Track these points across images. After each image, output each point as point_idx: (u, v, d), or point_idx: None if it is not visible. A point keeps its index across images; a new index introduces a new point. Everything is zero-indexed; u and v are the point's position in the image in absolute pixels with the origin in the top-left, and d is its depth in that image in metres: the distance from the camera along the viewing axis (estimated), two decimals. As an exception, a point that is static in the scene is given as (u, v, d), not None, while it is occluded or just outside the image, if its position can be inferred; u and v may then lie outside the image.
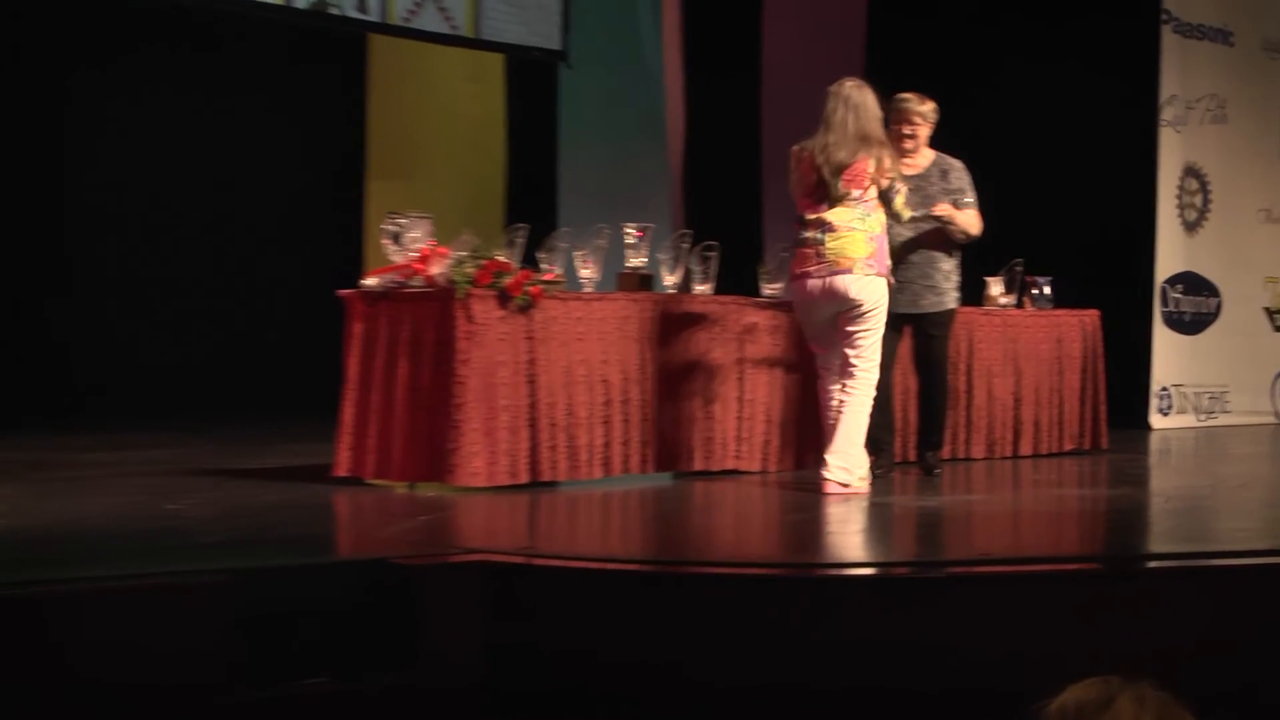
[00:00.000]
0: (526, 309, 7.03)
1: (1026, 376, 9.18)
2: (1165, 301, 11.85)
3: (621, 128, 12.41)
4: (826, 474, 7.06)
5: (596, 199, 11.76)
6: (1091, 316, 9.59)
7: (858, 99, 7.12)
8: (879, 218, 7.12)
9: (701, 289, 7.88)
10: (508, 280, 6.94)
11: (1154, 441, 10.84)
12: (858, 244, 7.03)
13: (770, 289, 8.12)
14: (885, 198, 7.12)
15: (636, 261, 7.67)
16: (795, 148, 7.22)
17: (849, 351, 7.10)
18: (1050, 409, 9.31)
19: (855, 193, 7.05)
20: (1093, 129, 12.44)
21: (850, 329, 7.09)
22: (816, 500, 6.90)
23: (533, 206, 11.68)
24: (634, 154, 12.23)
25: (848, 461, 7.06)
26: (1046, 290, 9.41)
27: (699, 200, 12.08)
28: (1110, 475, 8.56)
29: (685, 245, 7.83)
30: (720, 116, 12.32)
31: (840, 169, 7.04)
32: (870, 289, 7.03)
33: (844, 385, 7.11)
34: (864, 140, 7.06)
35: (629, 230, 7.66)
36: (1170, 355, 11.90)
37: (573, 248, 7.48)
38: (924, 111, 7.70)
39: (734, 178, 12.23)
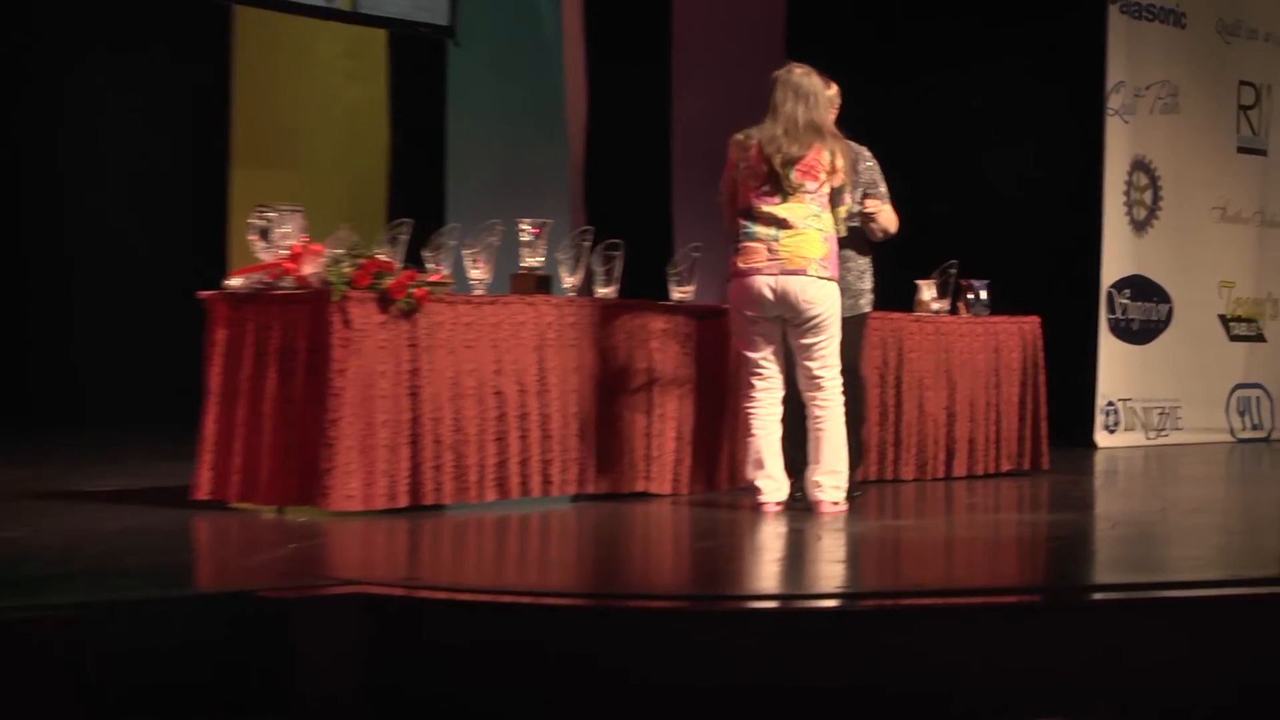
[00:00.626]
0: (410, 313, 7.00)
1: (961, 390, 9.24)
2: (1112, 308, 11.99)
3: (517, 113, 12.39)
4: (820, 494, 7.29)
5: (488, 192, 11.74)
6: (1031, 324, 9.67)
7: (807, 87, 7.27)
8: (830, 216, 7.25)
9: (604, 292, 7.88)
10: (389, 281, 6.91)
11: (1099, 461, 10.95)
12: (813, 243, 7.19)
13: (680, 292, 8.14)
14: (832, 201, 7.25)
15: (532, 261, 7.66)
16: (738, 136, 7.31)
17: (811, 364, 7.28)
18: (987, 426, 9.38)
19: (810, 185, 7.20)
20: (1033, 120, 12.56)
21: (807, 341, 7.27)
22: (730, 527, 6.93)
23: (418, 199, 11.66)
24: (530, 143, 12.22)
25: (839, 479, 7.32)
26: (983, 295, 9.47)
27: (602, 194, 12.08)
28: (1052, 498, 8.63)
29: (586, 244, 7.82)
30: (625, 103, 12.33)
31: (793, 161, 7.16)
32: (824, 294, 7.20)
33: (814, 400, 7.31)
34: (816, 131, 7.24)
35: (524, 226, 7.65)
36: (1117, 367, 12.04)
37: (462, 245, 7.46)
38: (831, 96, 7.75)
39: (640, 170, 12.25)
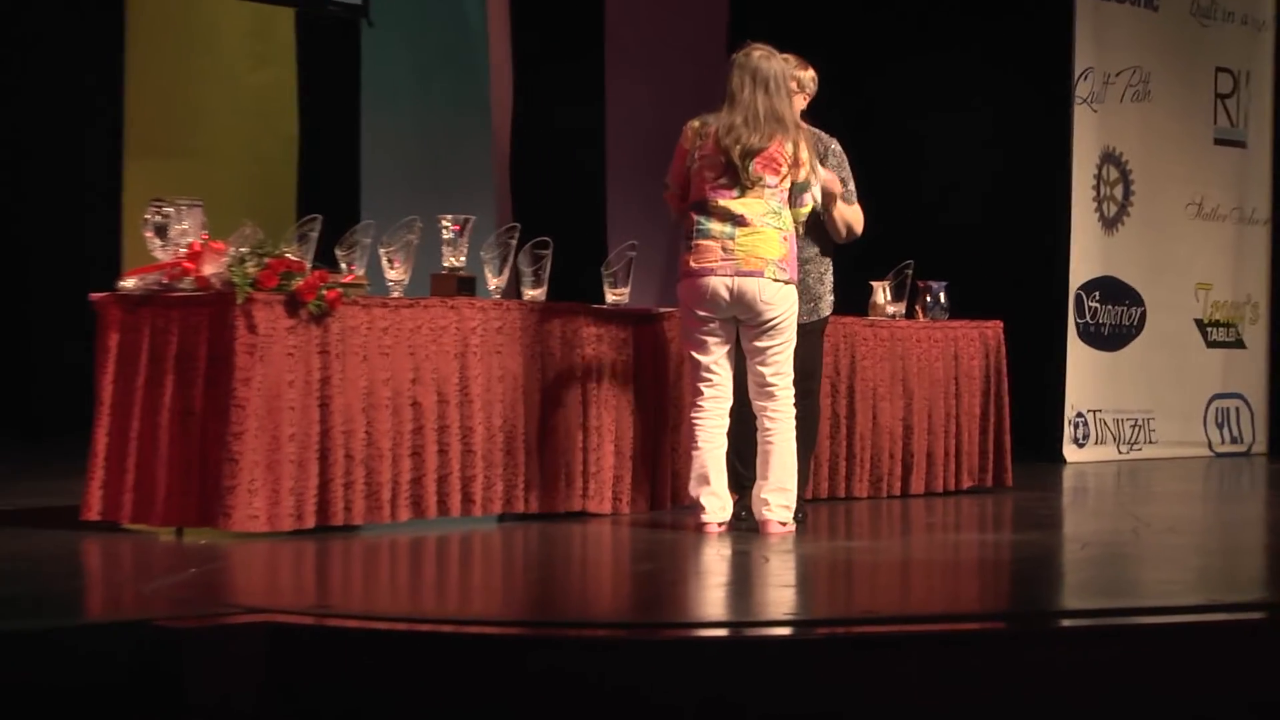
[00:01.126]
0: (321, 317, 6.97)
1: (918, 400, 9.27)
2: (1080, 312, 12.05)
3: (437, 100, 12.36)
4: (767, 513, 7.29)
5: (407, 185, 11.71)
6: (994, 329, 9.70)
7: (767, 71, 7.26)
8: (791, 213, 7.25)
9: (533, 294, 7.87)
10: (298, 282, 6.88)
11: (1068, 477, 11.01)
12: (771, 243, 7.20)
13: (615, 294, 8.13)
14: (792, 198, 7.27)
15: (454, 261, 7.64)
16: (694, 123, 7.32)
17: (764, 370, 7.29)
18: (946, 439, 9.41)
19: (770, 179, 7.21)
20: (995, 110, 12.63)
21: (760, 344, 7.28)
22: (672, 548, 6.92)
23: (330, 193, 11.61)
24: (452, 132, 12.20)
25: (788, 498, 7.32)
26: (941, 297, 9.50)
27: (529, 189, 12.07)
28: (1016, 517, 8.66)
29: (513, 242, 7.81)
30: (555, 90, 12.33)
31: (753, 154, 7.18)
32: (782, 296, 7.23)
33: (765, 410, 7.32)
34: (778, 121, 7.23)
35: (445, 223, 7.63)
36: (1086, 375, 12.10)
37: (378, 243, 7.44)
38: (803, 78, 7.75)
39: (571, 163, 12.24)
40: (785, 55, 7.55)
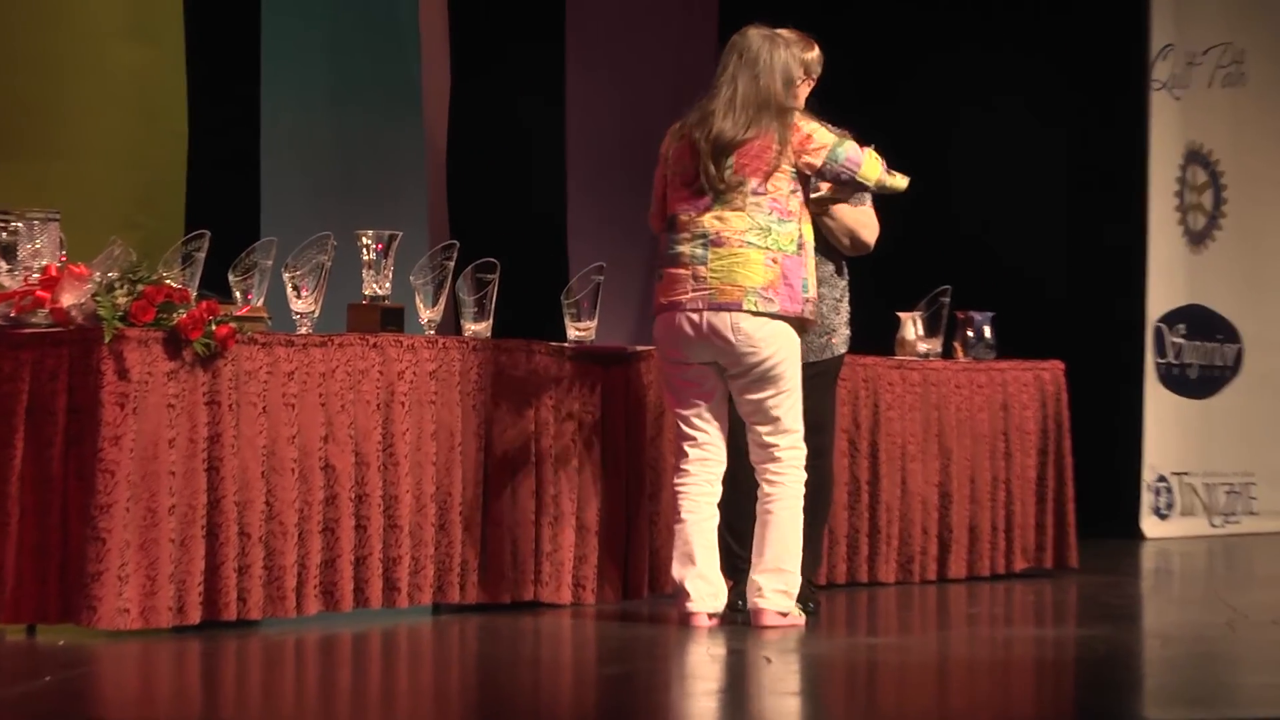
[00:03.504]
0: (210, 359, 6.96)
1: (957, 461, 9.27)
2: (1161, 349, 12.07)
3: (355, 86, 12.36)
4: (760, 600, 7.25)
5: (317, 193, 11.70)
6: (1053, 371, 9.71)
7: (759, 51, 7.27)
8: (792, 229, 7.18)
9: (475, 329, 7.88)
10: (181, 315, 6.87)
11: (1147, 557, 11.03)
12: (753, 267, 7.16)
13: (578, 329, 8.14)
14: (826, 180, 7.32)
15: (377, 288, 7.64)
16: (675, 125, 7.35)
17: (761, 429, 7.28)
18: (993, 510, 9.41)
19: (753, 184, 7.17)
20: (1050, 99, 12.63)
21: (752, 397, 7.25)
22: (649, 647, 6.93)
23: (224, 203, 11.59)
24: (373, 128, 12.18)
25: (786, 581, 7.26)
26: (986, 332, 9.51)
27: (470, 198, 12.07)
28: (1082, 608, 8.68)
29: (450, 263, 7.81)
30: (503, 77, 12.33)
31: (728, 148, 7.15)
32: (768, 333, 7.16)
33: (765, 473, 7.30)
34: (764, 108, 7.20)
35: (366, 240, 7.63)
36: (1169, 429, 12.12)
37: (281, 266, 7.43)
38: (810, 61, 7.71)
39: (523, 166, 12.23)
40: (782, 30, 7.53)
